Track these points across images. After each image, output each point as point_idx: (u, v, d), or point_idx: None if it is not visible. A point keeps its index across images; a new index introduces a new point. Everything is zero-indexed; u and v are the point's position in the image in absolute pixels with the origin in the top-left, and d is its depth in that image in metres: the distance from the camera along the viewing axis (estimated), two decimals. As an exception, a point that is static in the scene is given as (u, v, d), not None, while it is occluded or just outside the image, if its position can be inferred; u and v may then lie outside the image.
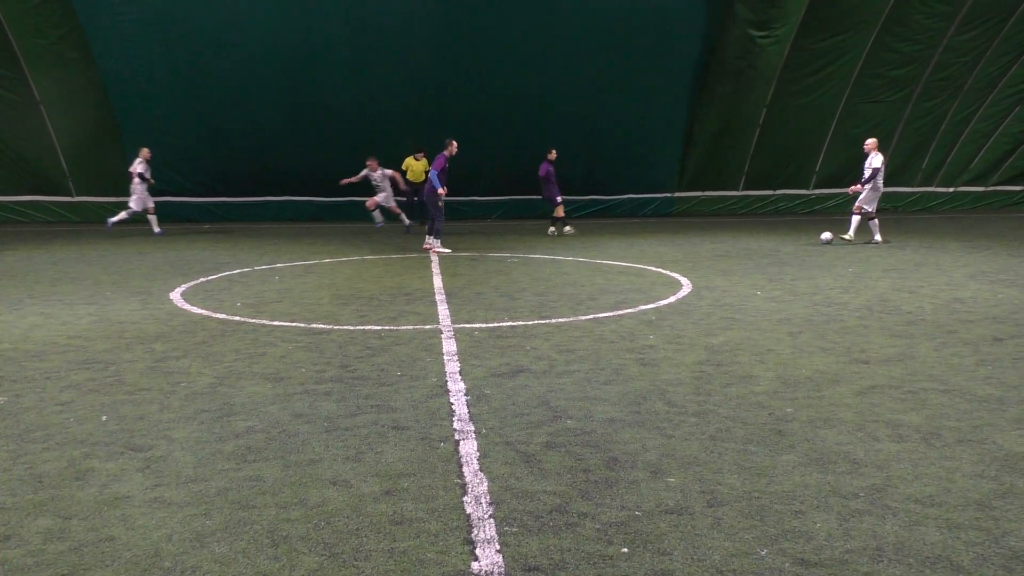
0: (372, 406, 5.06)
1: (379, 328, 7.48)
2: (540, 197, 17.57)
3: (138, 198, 17.00)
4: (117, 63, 18.30)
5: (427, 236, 14.07)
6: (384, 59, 18.87)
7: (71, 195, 20.03)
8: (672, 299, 8.97)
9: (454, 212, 21.12)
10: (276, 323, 7.71)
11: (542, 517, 3.46)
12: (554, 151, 16.91)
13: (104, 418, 4.84)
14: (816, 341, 6.82)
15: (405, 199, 19.56)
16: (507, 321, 7.76)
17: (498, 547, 3.19)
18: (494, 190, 21.09)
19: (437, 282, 10.39)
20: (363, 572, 3.01)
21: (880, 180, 14.54)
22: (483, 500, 3.63)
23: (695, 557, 3.10)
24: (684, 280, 10.38)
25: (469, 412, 4.92)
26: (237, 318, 7.97)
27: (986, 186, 24.37)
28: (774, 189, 22.68)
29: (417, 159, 18.94)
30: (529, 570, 3.01)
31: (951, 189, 24.05)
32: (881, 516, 3.43)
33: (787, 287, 9.80)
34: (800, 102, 20.77)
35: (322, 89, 19.17)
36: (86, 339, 7.07)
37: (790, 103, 20.72)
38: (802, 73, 20.40)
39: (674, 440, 4.40)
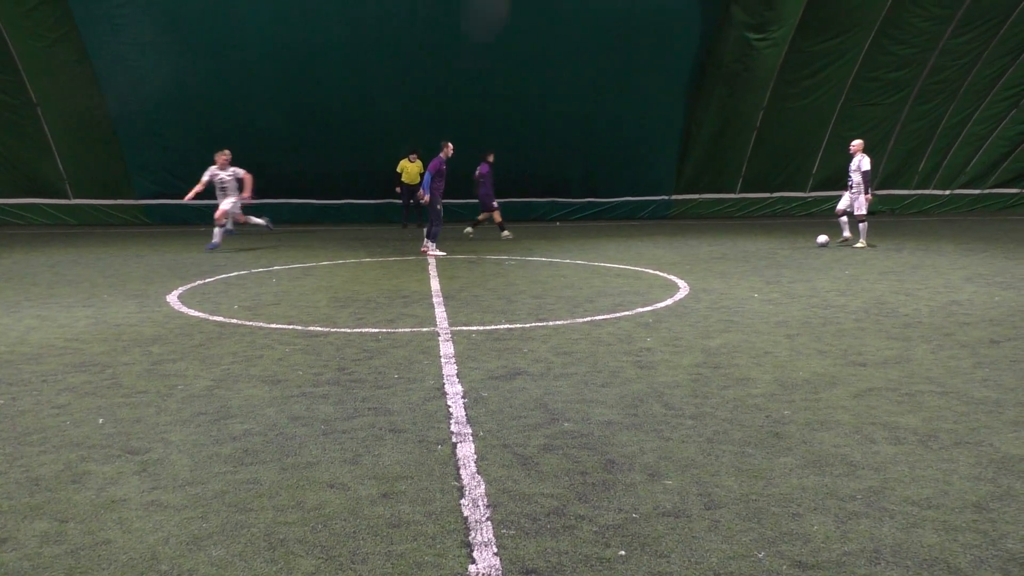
0: (369, 409, 5.06)
1: (376, 331, 7.47)
2: (537, 199, 17.62)
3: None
4: (114, 65, 18.29)
5: (425, 239, 14.06)
6: (383, 60, 18.90)
7: (68, 198, 20.00)
8: (669, 302, 8.97)
9: (451, 215, 21.13)
10: (273, 326, 7.70)
11: (539, 520, 3.46)
12: (492, 154, 16.61)
13: (101, 421, 4.83)
14: (813, 344, 6.83)
15: (400, 201, 19.58)
16: (504, 324, 7.76)
17: (495, 550, 3.18)
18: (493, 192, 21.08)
19: (434, 285, 10.39)
20: (360, 575, 3.00)
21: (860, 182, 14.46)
22: (480, 503, 3.63)
23: (692, 560, 3.10)
24: (681, 283, 10.39)
25: (466, 415, 4.91)
26: (234, 321, 7.96)
27: (982, 189, 24.44)
28: (771, 192, 22.72)
29: (412, 160, 18.95)
30: (526, 573, 3.01)
31: (948, 192, 24.12)
32: (878, 518, 3.43)
33: (784, 290, 9.81)
34: (797, 105, 20.82)
35: (320, 90, 19.19)
36: (83, 342, 7.05)
37: (787, 106, 20.77)
38: (799, 76, 20.45)
39: (671, 442, 4.40)
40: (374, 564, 3.08)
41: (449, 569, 3.04)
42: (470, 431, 4.61)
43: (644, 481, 3.87)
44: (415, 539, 3.29)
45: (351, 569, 3.05)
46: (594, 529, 3.36)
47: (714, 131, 21.07)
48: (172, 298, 9.39)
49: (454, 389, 5.47)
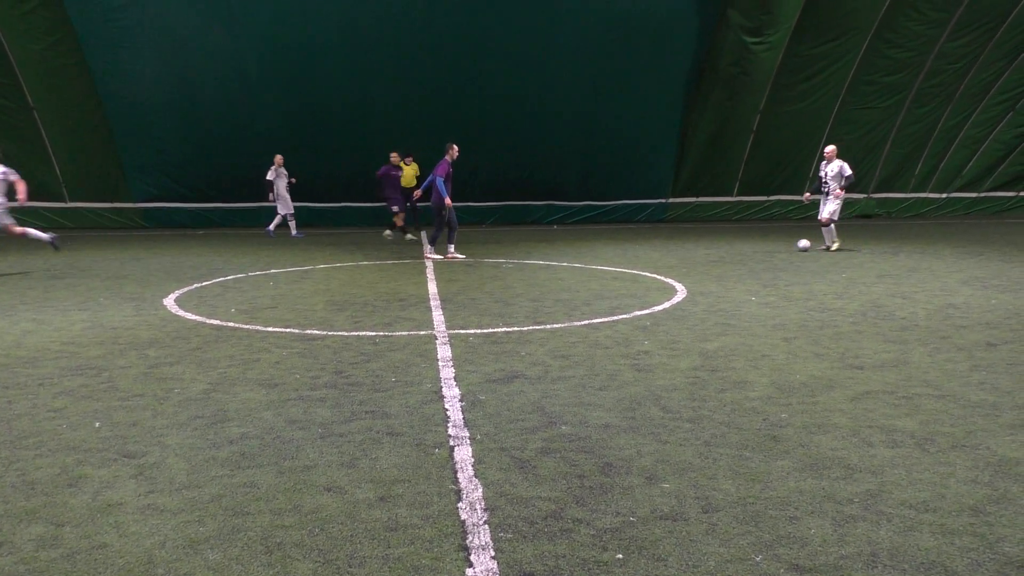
0: (367, 412, 5.05)
1: (374, 334, 7.47)
2: (535, 203, 17.60)
3: (282, 202, 17.61)
4: (110, 68, 18.29)
5: (446, 244, 13.91)
6: (381, 63, 18.92)
7: (64, 201, 19.98)
8: (667, 305, 8.97)
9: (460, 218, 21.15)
10: (270, 329, 7.69)
11: (537, 523, 3.45)
12: (396, 154, 16.31)
13: (97, 424, 4.82)
14: (810, 347, 6.83)
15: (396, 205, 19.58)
16: (502, 327, 7.76)
17: (493, 553, 3.18)
18: (489, 195, 21.10)
19: (432, 288, 10.39)
20: (357, 579, 3.00)
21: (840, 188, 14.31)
22: (478, 506, 3.62)
23: (690, 563, 3.09)
24: (679, 286, 10.39)
25: (464, 418, 4.91)
26: (231, 324, 7.95)
27: (979, 192, 24.50)
28: (768, 195, 22.75)
29: (407, 163, 18.96)
30: (524, 577, 3.00)
31: (944, 195, 24.17)
32: (875, 522, 3.43)
33: (781, 293, 9.82)
34: (794, 108, 20.87)
35: (318, 93, 19.21)
36: (79, 345, 7.04)
37: (784, 109, 20.82)
38: (796, 79, 20.50)
39: (669, 446, 4.40)
40: (371, 568, 3.08)
41: (446, 573, 3.04)
42: (467, 434, 4.60)
43: (641, 484, 3.87)
44: (412, 543, 3.28)
45: (348, 573, 3.04)
46: (592, 532, 3.36)
47: (711, 134, 21.11)
48: (169, 301, 9.37)
49: (451, 392, 5.47)
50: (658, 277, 11.27)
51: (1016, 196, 24.84)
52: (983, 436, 4.52)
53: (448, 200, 13.31)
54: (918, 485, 3.83)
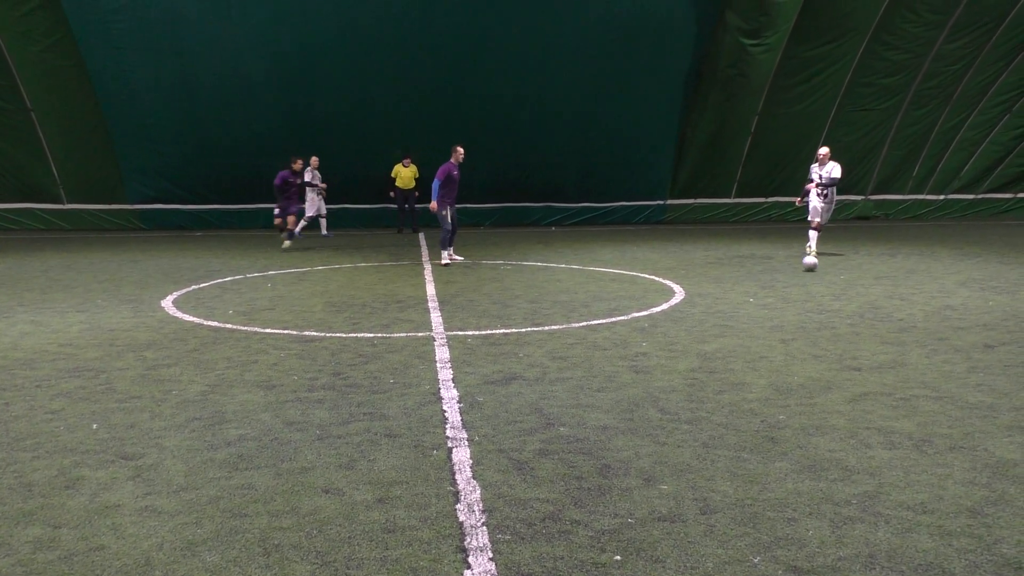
0: (365, 414, 5.05)
1: (372, 335, 7.46)
2: (533, 204, 17.54)
3: (311, 204, 17.55)
4: (108, 70, 18.27)
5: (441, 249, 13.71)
6: (380, 63, 18.90)
7: (62, 203, 19.96)
8: (665, 306, 8.98)
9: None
10: (268, 331, 7.68)
11: (535, 525, 3.45)
12: (300, 160, 16.00)
13: (95, 426, 4.82)
14: (808, 348, 6.84)
15: (396, 206, 19.58)
16: (500, 328, 7.76)
17: (491, 555, 3.18)
18: (488, 196, 21.11)
19: (430, 289, 10.38)
20: (355, 581, 2.99)
21: (833, 192, 13.59)
22: (476, 508, 3.62)
23: (688, 565, 3.09)
24: (677, 287, 10.40)
25: (462, 419, 4.91)
26: (229, 326, 7.95)
27: (976, 194, 24.53)
28: (766, 196, 22.77)
29: (405, 165, 18.98)
30: (522, 578, 3.00)
31: (941, 197, 24.20)
32: (873, 523, 3.44)
33: (779, 294, 9.82)
34: (792, 110, 20.88)
35: (316, 95, 19.19)
36: (77, 347, 7.03)
37: (782, 111, 20.84)
38: (793, 81, 20.52)
39: (667, 447, 4.40)
40: (369, 569, 3.07)
41: (444, 574, 3.04)
42: (465, 436, 4.60)
43: (640, 486, 3.87)
44: (410, 544, 3.28)
45: (346, 574, 3.04)
46: (590, 534, 3.36)
47: (709, 136, 21.12)
48: (167, 303, 9.36)
49: (449, 394, 5.47)
50: (656, 279, 11.28)
51: (1014, 198, 24.88)
52: (981, 438, 4.52)
53: (433, 203, 12.76)
54: (916, 487, 3.83)
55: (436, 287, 10.57)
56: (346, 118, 19.30)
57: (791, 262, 13.21)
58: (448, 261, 12.96)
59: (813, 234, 13.45)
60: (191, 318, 8.37)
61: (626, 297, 9.65)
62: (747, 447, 4.40)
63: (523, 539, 3.32)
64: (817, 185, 13.52)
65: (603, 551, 3.21)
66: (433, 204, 12.84)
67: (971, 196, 24.50)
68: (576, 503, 3.68)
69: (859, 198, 23.25)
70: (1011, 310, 8.59)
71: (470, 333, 7.54)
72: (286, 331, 7.65)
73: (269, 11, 18.13)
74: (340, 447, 4.44)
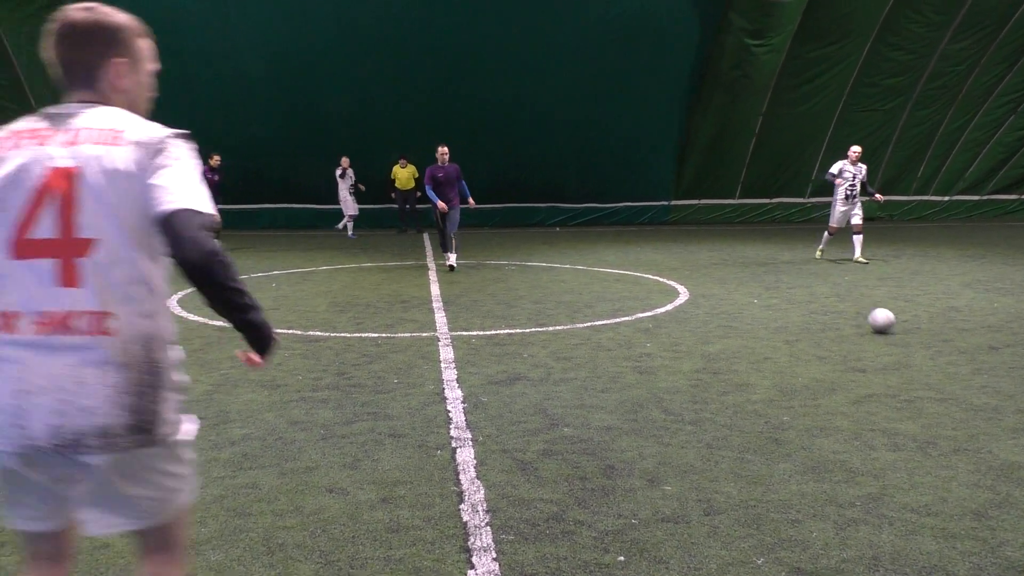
0: (369, 413, 5.06)
1: (376, 335, 7.47)
2: (537, 204, 17.51)
3: (347, 204, 18.07)
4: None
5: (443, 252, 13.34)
6: (378, 65, 18.91)
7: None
8: (669, 307, 8.97)
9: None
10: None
11: (538, 525, 3.46)
12: (216, 156, 15.90)
13: (100, 425, 4.82)
14: (812, 349, 6.83)
15: (396, 206, 19.62)
16: (504, 329, 7.76)
17: (494, 555, 3.18)
18: (491, 197, 21.14)
19: (434, 290, 10.39)
20: (359, 581, 3.00)
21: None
22: (480, 508, 3.63)
23: (691, 565, 3.09)
24: (681, 288, 10.39)
25: (466, 420, 4.91)
26: (233, 325, 7.95)
27: (981, 195, 24.47)
28: (770, 197, 22.75)
29: (402, 166, 19.07)
30: (526, 579, 3.00)
31: (947, 198, 24.15)
32: (877, 525, 3.43)
33: (784, 295, 9.81)
34: (796, 111, 20.86)
35: (316, 96, 19.21)
36: (82, 346, 7.04)
37: (786, 112, 20.81)
38: (797, 82, 20.50)
39: (671, 448, 4.40)
40: (373, 569, 3.08)
41: (448, 574, 3.04)
42: (470, 436, 4.61)
43: (643, 487, 3.87)
44: (414, 544, 3.28)
45: (350, 574, 3.05)
46: (593, 535, 3.36)
47: (713, 137, 21.11)
48: (172, 302, 9.39)
49: (454, 394, 5.47)
50: (660, 279, 11.27)
51: (1018, 199, 24.81)
52: (985, 440, 4.51)
53: (440, 204, 12.38)
54: (920, 488, 3.83)
55: (440, 287, 10.58)
56: (346, 119, 19.33)
57: (795, 263, 13.20)
58: (452, 263, 12.46)
59: (857, 238, 13.12)
60: (196, 318, 8.39)
61: (630, 298, 9.65)
62: (751, 448, 4.39)
63: (527, 539, 3.32)
64: (851, 186, 13.09)
65: (606, 552, 3.21)
66: (441, 206, 12.47)
67: (976, 197, 24.44)
68: (580, 503, 3.68)
69: (865, 199, 23.20)
70: (1016, 312, 8.57)
71: (474, 333, 7.54)
72: (290, 331, 7.67)
73: (269, 11, 18.16)
74: (344, 447, 4.45)
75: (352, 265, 13.14)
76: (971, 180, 24.11)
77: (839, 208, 13.33)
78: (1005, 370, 6.08)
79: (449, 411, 5.09)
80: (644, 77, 19.92)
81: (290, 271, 12.32)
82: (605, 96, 19.96)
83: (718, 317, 8.35)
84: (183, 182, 1.84)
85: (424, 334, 7.53)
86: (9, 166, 1.84)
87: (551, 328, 7.79)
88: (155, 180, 1.82)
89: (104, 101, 1.96)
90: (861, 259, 13.01)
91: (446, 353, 6.71)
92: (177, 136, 1.94)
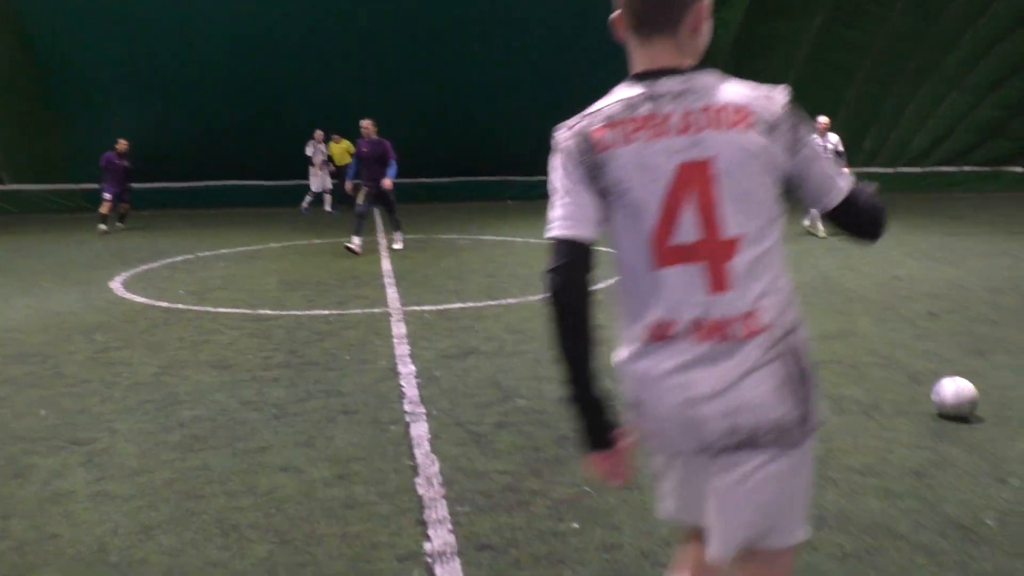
0: (321, 391, 5.02)
1: (327, 313, 7.40)
2: (488, 178, 17.44)
3: (316, 179, 17.99)
4: (55, 47, 17.68)
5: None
6: (333, 42, 18.58)
7: (4, 183, 19.32)
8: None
9: (404, 194, 20.96)
10: (221, 310, 7.57)
11: (493, 496, 3.48)
12: (123, 141, 15.49)
13: (43, 412, 4.71)
14: (761, 319, 6.95)
15: (334, 184, 19.31)
16: (457, 303, 7.75)
17: (450, 527, 3.20)
18: (442, 171, 21.01)
19: (386, 265, 10.32)
20: (315, 557, 2.99)
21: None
22: (435, 481, 3.63)
23: (643, 530, 3.15)
24: (633, 261, 10.46)
25: (420, 394, 4.91)
26: (180, 306, 7.81)
27: (924, 167, 25.07)
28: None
29: (336, 142, 18.87)
30: (481, 548, 3.03)
31: (892, 170, 24.68)
32: (823, 487, 3.53)
33: (733, 266, 9.94)
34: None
35: (271, 74, 18.79)
36: (23, 332, 6.84)
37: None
38: (750, 56, 20.67)
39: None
40: (329, 546, 3.07)
41: (404, 548, 3.05)
42: (423, 410, 4.61)
43: (597, 456, 3.91)
44: (370, 519, 3.28)
45: (306, 552, 3.03)
46: (547, 504, 3.40)
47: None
48: (116, 284, 9.15)
49: (407, 369, 5.46)
50: (612, 251, 11.33)
51: (959, 171, 25.48)
52: (926, 403, 4.65)
53: (347, 184, 12.15)
54: (863, 451, 3.94)
55: (392, 263, 10.51)
56: (298, 97, 18.98)
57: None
58: (354, 247, 11.21)
59: (816, 212, 12.86)
60: (141, 299, 8.20)
61: (583, 271, 9.69)
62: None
63: (482, 510, 3.34)
64: None
65: (561, 520, 3.25)
66: (347, 185, 12.18)
67: (919, 169, 25.03)
68: (534, 473, 3.71)
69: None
70: (955, 280, 8.83)
71: (427, 308, 7.52)
72: (239, 310, 7.55)
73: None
74: (297, 425, 4.41)
75: (303, 242, 12.96)
76: (915, 152, 24.67)
77: None
78: (945, 336, 6.28)
79: (402, 386, 5.08)
80: (598, 50, 19.88)
81: (239, 249, 12.10)
82: (557, 68, 19.89)
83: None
84: (828, 158, 1.73)
85: (376, 310, 7.48)
86: (630, 164, 1.68)
87: (504, 301, 7.80)
88: (801, 162, 1.70)
89: (684, 55, 1.77)
90: (822, 232, 12.93)
91: (398, 328, 6.68)
92: (790, 102, 1.73)
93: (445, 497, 3.47)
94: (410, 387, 5.06)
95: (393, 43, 18.86)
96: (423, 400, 4.80)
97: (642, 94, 1.71)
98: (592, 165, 1.71)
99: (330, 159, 18.94)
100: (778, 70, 21.06)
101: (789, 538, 1.74)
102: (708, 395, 1.66)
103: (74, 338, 6.54)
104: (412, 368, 5.49)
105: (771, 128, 1.66)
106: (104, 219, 14.70)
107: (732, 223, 1.66)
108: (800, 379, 1.68)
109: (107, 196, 14.95)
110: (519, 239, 13.13)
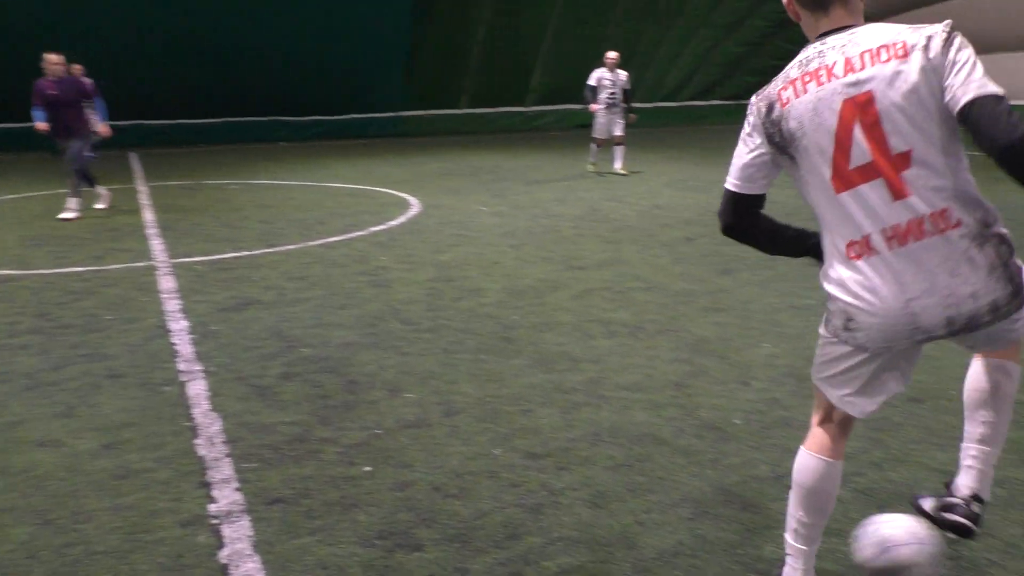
0: (81, 356, 4.60)
1: (82, 270, 6.74)
2: (258, 119, 16.46)
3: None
4: None
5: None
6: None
7: None
8: (402, 219, 9.02)
9: (163, 137, 19.36)
10: (-50, 273, 6.66)
11: (281, 449, 3.41)
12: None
13: None
14: (537, 252, 7.26)
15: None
16: (231, 252, 7.36)
17: (237, 485, 3.10)
18: (206, 112, 19.59)
19: (147, 215, 9.54)
20: (85, 534, 2.78)
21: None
22: (217, 440, 3.49)
23: (434, 465, 3.23)
24: (413, 200, 10.47)
25: (195, 351, 4.65)
26: None
27: (678, 101, 26.99)
28: (495, 107, 23.37)
29: None
30: (271, 503, 2.96)
31: (650, 105, 26.34)
32: (597, 406, 3.80)
33: (510, 202, 10.26)
34: (515, 21, 21.39)
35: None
36: None
37: (505, 23, 21.27)
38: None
39: (410, 357, 4.50)
40: (101, 520, 2.86)
41: (188, 512, 2.91)
42: (200, 368, 4.37)
43: (385, 397, 3.94)
44: (146, 488, 3.09)
45: (73, 530, 2.81)
46: (338, 450, 3.38)
47: (440, 47, 21.09)
48: None
49: (179, 325, 5.13)
50: (393, 192, 11.26)
51: (708, 105, 27.70)
52: (684, 321, 5.13)
53: (40, 125, 9.69)
54: (631, 369, 4.28)
55: (155, 212, 9.74)
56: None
57: (519, 170, 13.78)
58: (71, 215, 9.46)
59: (619, 149, 12.65)
60: None
61: (363, 212, 9.55)
62: (485, 349, 4.62)
63: (270, 464, 3.27)
64: (612, 93, 12.55)
65: (352, 464, 3.26)
66: (42, 126, 9.68)
67: (674, 104, 26.91)
68: (323, 422, 3.67)
69: (578, 107, 24.62)
70: (706, 206, 9.69)
71: (198, 259, 7.07)
72: (-27, 272, 6.68)
73: None
74: (55, 395, 4.03)
75: (45, 192, 11.63)
76: (669, 88, 26.46)
77: (599, 118, 12.82)
78: (698, 258, 6.90)
79: (175, 344, 4.78)
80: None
81: (-34, 203, 10.63)
82: (329, 5, 19.03)
83: (449, 226, 8.55)
84: (971, 71, 1.83)
85: (140, 264, 6.93)
86: (805, 112, 1.97)
87: (282, 248, 7.52)
88: (946, 77, 1.85)
89: (854, 16, 2.01)
90: (622, 171, 12.83)
91: (167, 283, 6.24)
92: (945, 29, 1.89)
93: (229, 455, 3.35)
94: (184, 344, 4.77)
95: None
96: (199, 357, 4.55)
97: (814, 51, 2.02)
98: (772, 124, 2.04)
99: None
100: (542, 6, 21.60)
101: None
102: (924, 291, 1.93)
103: None
104: (185, 324, 5.17)
105: (921, 51, 1.88)
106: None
107: (899, 141, 1.91)
108: (1004, 263, 1.93)
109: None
110: (294, 182, 12.63)
